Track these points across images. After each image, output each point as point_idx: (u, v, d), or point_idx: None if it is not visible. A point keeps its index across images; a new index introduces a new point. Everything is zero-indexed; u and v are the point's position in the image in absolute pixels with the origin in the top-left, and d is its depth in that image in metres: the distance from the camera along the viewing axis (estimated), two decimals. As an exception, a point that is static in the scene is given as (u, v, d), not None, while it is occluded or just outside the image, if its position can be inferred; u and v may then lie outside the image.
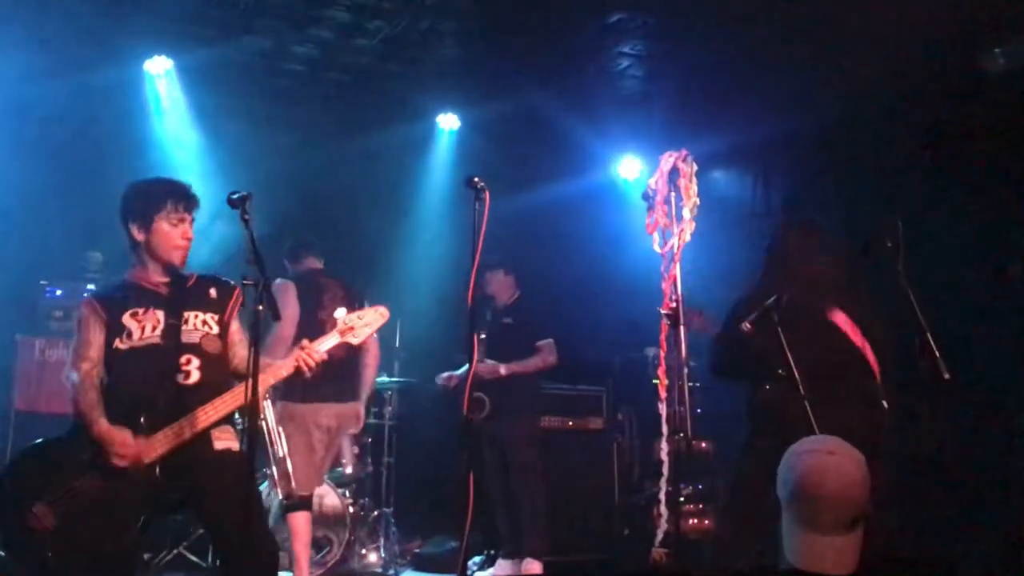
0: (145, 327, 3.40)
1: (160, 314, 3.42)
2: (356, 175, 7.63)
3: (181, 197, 3.46)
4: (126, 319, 3.41)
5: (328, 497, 5.88)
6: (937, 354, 3.59)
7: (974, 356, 5.34)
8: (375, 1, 5.97)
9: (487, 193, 3.51)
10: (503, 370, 5.85)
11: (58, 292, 5.61)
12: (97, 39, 6.18)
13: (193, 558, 5.80)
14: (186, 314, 3.46)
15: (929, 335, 3.63)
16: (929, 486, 3.59)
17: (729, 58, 6.42)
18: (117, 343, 3.37)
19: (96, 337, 3.39)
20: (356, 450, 6.39)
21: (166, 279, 3.50)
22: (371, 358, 5.55)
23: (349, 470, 6.27)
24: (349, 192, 7.61)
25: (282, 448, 5.03)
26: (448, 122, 7.79)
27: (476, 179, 3.52)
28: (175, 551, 5.78)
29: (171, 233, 3.43)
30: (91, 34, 6.10)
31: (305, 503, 5.01)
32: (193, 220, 3.50)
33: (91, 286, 5.66)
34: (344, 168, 7.53)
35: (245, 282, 3.29)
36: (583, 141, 7.88)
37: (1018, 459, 5.47)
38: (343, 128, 7.47)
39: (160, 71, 6.76)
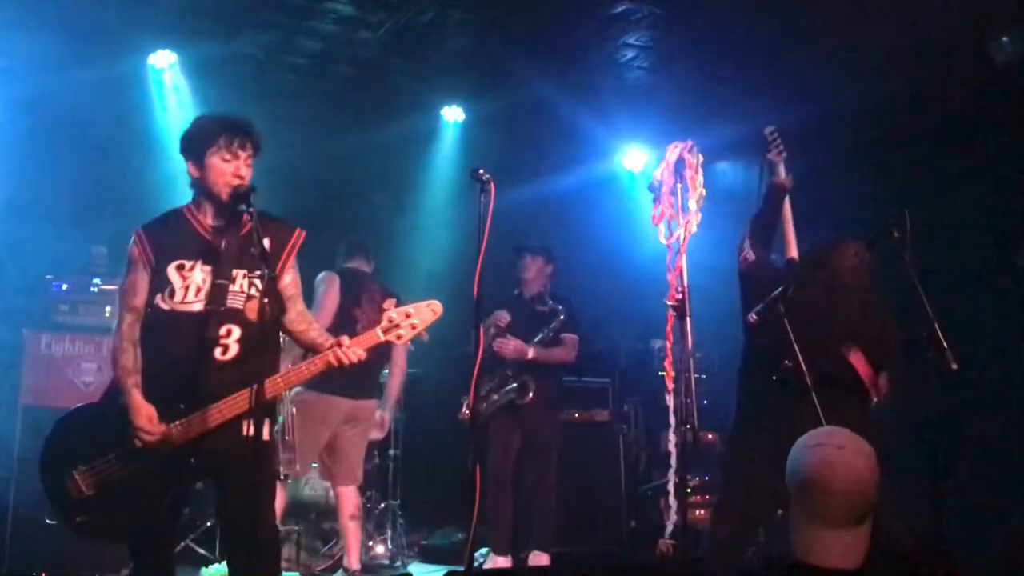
0: (189, 287, 3.24)
1: (207, 272, 3.25)
2: (361, 168, 7.62)
3: (236, 132, 3.27)
4: (171, 272, 3.25)
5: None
6: (945, 345, 3.58)
7: (982, 346, 5.33)
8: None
9: (492, 185, 3.49)
10: (530, 353, 5.70)
11: (64, 286, 5.61)
12: (101, 33, 6.18)
13: (201, 551, 5.81)
14: (235, 272, 3.26)
15: (937, 326, 3.62)
16: (934, 479, 3.58)
17: (735, 48, 6.39)
18: (159, 300, 3.23)
19: (142, 282, 3.25)
20: (362, 443, 6.39)
21: (220, 223, 3.32)
22: (397, 368, 5.67)
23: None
24: (354, 185, 7.61)
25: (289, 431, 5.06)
26: (453, 114, 7.78)
27: (481, 170, 3.51)
28: (183, 544, 5.79)
29: (223, 169, 3.24)
30: (95, 28, 6.10)
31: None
32: (251, 157, 3.30)
33: (96, 280, 5.66)
34: (349, 161, 7.52)
35: (248, 276, 3.27)
36: (588, 132, 7.86)
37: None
38: (347, 121, 7.46)
39: (164, 64, 6.76)
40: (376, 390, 5.55)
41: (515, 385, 5.64)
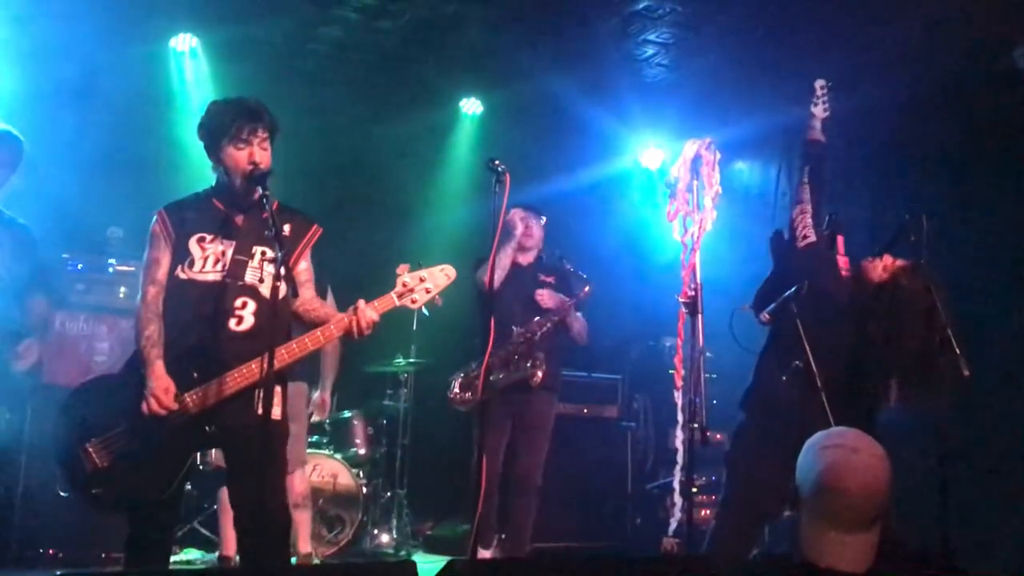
0: (208, 258, 3.30)
1: (228, 247, 3.31)
2: (379, 157, 7.62)
3: (248, 119, 3.28)
4: (192, 244, 3.31)
5: (342, 477, 5.91)
6: (958, 351, 3.56)
7: (996, 351, 5.29)
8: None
9: (507, 176, 3.49)
10: (577, 321, 5.36)
11: (79, 266, 5.64)
12: (122, 15, 6.19)
13: (207, 533, 5.84)
14: (255, 249, 3.32)
15: (951, 331, 3.59)
16: (941, 482, 3.56)
17: (754, 47, 6.36)
18: (178, 271, 3.29)
19: (164, 257, 3.30)
20: (370, 431, 6.42)
21: (242, 205, 3.36)
22: (331, 346, 5.33)
23: (363, 451, 6.30)
24: (372, 174, 7.61)
25: None
26: (471, 106, 7.77)
27: (496, 161, 3.51)
28: (189, 526, 5.83)
29: (237, 156, 3.27)
30: (116, 10, 6.11)
31: None
32: (267, 140, 3.31)
33: (112, 260, 5.69)
34: (367, 150, 7.53)
35: (265, 256, 3.30)
36: (606, 128, 7.85)
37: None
38: (366, 110, 7.47)
39: (185, 48, 6.77)
40: (304, 373, 5.20)
41: (528, 364, 5.20)
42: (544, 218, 5.52)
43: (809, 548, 2.26)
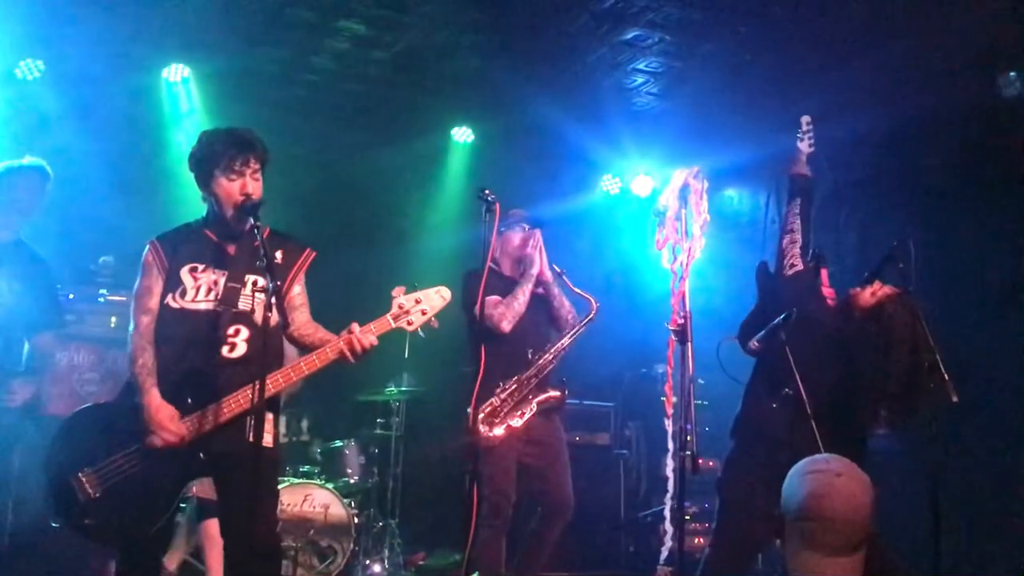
0: (200, 287, 3.31)
1: (220, 276, 3.32)
2: (370, 186, 7.66)
3: (240, 149, 3.29)
4: (184, 274, 3.32)
5: (333, 507, 5.87)
6: (946, 376, 3.57)
7: (982, 376, 5.31)
8: (392, 14, 6.00)
9: (497, 205, 3.52)
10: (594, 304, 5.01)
11: (70, 295, 5.63)
12: (114, 46, 6.24)
13: (200, 565, 5.79)
14: (247, 277, 3.33)
15: (939, 357, 3.61)
16: (933, 505, 3.56)
17: (742, 76, 6.43)
18: (169, 299, 3.30)
19: (156, 286, 3.31)
20: (362, 460, 6.39)
21: (234, 234, 3.37)
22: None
23: (355, 480, 6.27)
24: (363, 203, 7.63)
25: None
26: (463, 135, 7.82)
27: (486, 191, 3.54)
28: (183, 558, 5.77)
29: (229, 188, 3.28)
30: (108, 41, 6.16)
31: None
32: (258, 171, 3.33)
33: (103, 290, 5.69)
34: (359, 179, 7.56)
35: (256, 285, 3.31)
36: (596, 156, 7.91)
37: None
38: (358, 139, 7.51)
39: (178, 78, 6.81)
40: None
41: (554, 392, 4.81)
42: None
43: (795, 571, 2.28)
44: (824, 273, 4.20)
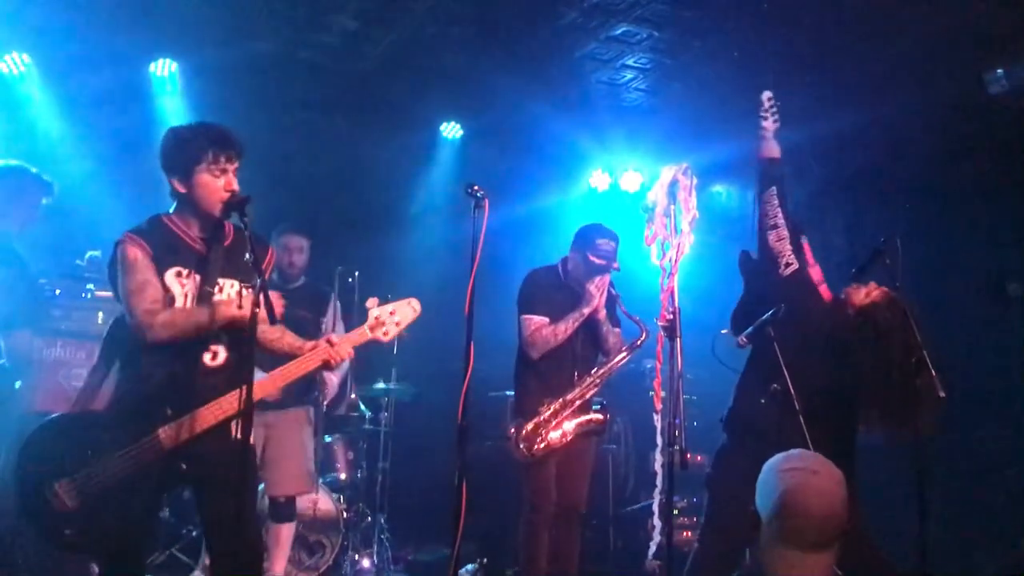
0: (188, 295, 3.22)
1: (196, 280, 3.24)
2: (358, 181, 7.63)
3: (223, 146, 3.20)
4: (170, 279, 3.21)
5: (322, 502, 5.87)
6: (934, 372, 3.59)
7: (974, 372, 5.35)
8: (381, 9, 5.99)
9: (486, 201, 3.51)
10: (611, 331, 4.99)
11: (57, 291, 5.59)
12: (100, 41, 6.20)
13: (185, 559, 5.78)
14: (221, 281, 3.26)
15: (926, 353, 3.63)
16: (921, 504, 3.58)
17: (731, 72, 6.44)
18: None
19: (154, 277, 3.17)
20: (350, 455, 6.39)
21: (205, 234, 3.30)
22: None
23: (343, 475, 6.27)
24: (351, 197, 7.62)
25: None
26: (451, 130, 7.81)
27: (476, 187, 3.52)
28: (167, 552, 5.77)
29: (213, 185, 3.19)
30: (94, 36, 6.12)
31: None
32: (237, 167, 3.26)
33: (90, 286, 5.65)
34: (347, 174, 7.54)
35: (244, 285, 3.28)
36: (585, 152, 7.91)
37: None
38: (346, 134, 7.49)
39: (165, 74, 6.77)
40: (298, 400, 5.27)
41: (596, 416, 4.82)
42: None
43: (770, 567, 2.31)
44: (807, 248, 4.16)
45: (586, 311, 4.79)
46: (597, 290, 4.80)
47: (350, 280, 5.97)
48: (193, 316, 3.18)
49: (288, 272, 5.42)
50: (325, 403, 5.69)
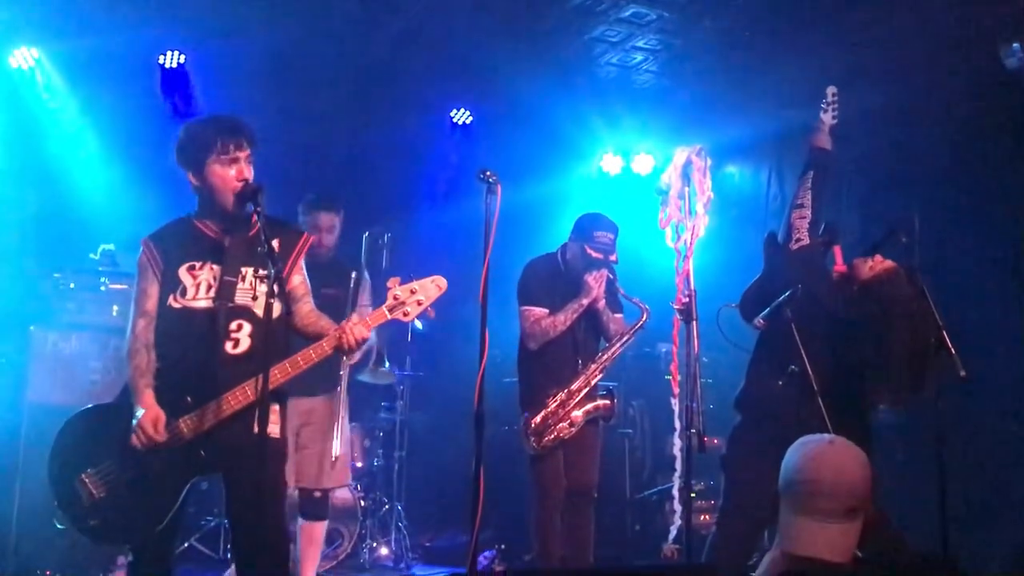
0: (200, 285, 3.26)
1: (216, 270, 3.26)
2: (370, 168, 7.62)
3: (232, 134, 3.22)
4: (182, 273, 3.27)
5: (339, 490, 5.88)
6: (953, 352, 3.56)
7: (992, 355, 5.30)
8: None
9: (499, 186, 3.48)
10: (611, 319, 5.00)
11: (72, 285, 5.61)
12: (107, 31, 6.19)
13: (205, 550, 5.81)
14: (243, 270, 3.28)
15: (945, 332, 3.60)
16: (941, 485, 3.56)
17: (743, 52, 6.38)
18: (171, 300, 3.26)
19: (152, 287, 3.28)
20: (366, 443, 6.40)
21: (226, 225, 3.32)
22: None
23: (360, 463, 6.28)
24: (362, 184, 7.60)
25: None
26: (461, 116, 7.77)
27: (488, 172, 3.49)
28: (187, 543, 5.80)
29: (224, 175, 3.22)
30: (101, 25, 6.11)
31: None
32: (251, 155, 3.27)
33: (104, 279, 5.67)
34: (357, 161, 7.53)
35: (257, 274, 3.28)
36: (597, 135, 7.87)
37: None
38: (357, 121, 7.46)
39: (173, 65, 6.75)
40: (333, 386, 5.02)
41: (603, 402, 4.93)
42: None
43: (786, 538, 2.31)
44: (838, 251, 4.15)
45: (585, 302, 4.82)
46: (595, 281, 4.82)
47: (380, 242, 5.74)
48: (137, 366, 3.26)
49: (317, 251, 4.94)
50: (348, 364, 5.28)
